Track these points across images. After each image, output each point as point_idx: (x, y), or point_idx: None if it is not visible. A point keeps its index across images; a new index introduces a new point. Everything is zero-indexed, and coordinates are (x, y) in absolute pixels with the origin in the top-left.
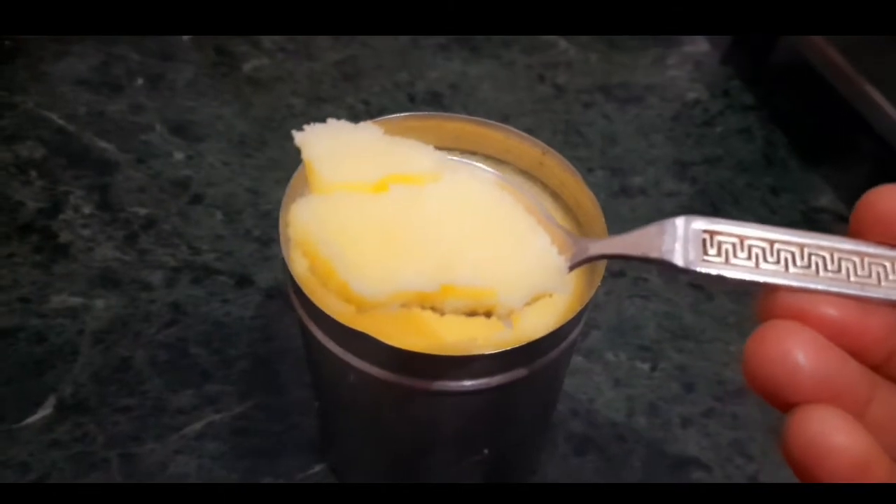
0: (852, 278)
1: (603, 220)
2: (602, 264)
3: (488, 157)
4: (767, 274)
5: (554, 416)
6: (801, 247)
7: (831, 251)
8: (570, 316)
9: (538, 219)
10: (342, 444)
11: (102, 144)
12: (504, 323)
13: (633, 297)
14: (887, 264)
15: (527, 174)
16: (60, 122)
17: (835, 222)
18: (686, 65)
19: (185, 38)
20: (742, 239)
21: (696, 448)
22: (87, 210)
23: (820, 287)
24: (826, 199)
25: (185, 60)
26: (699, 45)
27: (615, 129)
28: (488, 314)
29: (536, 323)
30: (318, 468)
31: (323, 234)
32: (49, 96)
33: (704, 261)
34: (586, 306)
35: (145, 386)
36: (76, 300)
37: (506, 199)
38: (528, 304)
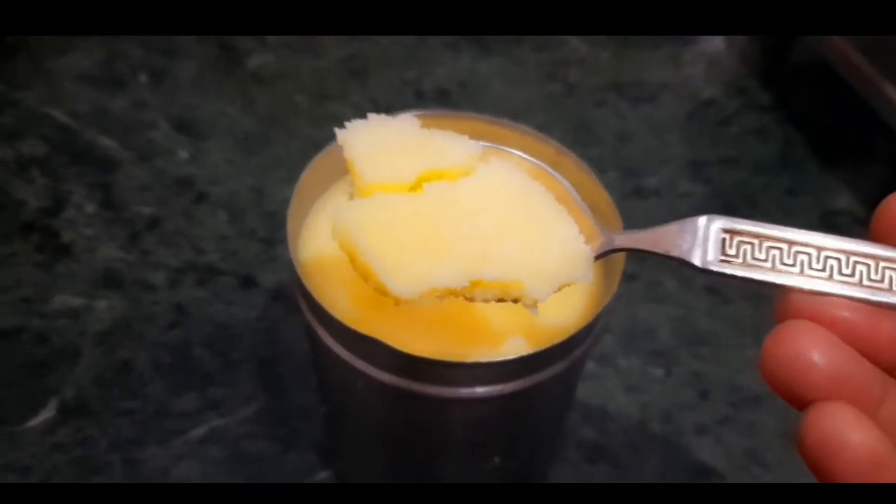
0: (865, 282)
1: (620, 222)
2: (619, 271)
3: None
4: (782, 276)
5: (565, 422)
6: (819, 249)
7: (847, 254)
8: (584, 323)
9: (569, 206)
10: (349, 450)
11: (105, 142)
12: (530, 310)
13: (646, 301)
14: None
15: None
16: (63, 118)
17: (853, 225)
18: (701, 63)
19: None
20: (761, 240)
21: (710, 456)
22: (89, 209)
23: (833, 290)
24: (844, 202)
25: (188, 56)
26: (714, 43)
27: (628, 128)
28: (516, 301)
29: (551, 326)
30: (323, 474)
31: (363, 239)
32: (51, 93)
33: (722, 261)
34: (601, 313)
35: (148, 389)
36: (78, 301)
37: (536, 189)
38: (554, 292)
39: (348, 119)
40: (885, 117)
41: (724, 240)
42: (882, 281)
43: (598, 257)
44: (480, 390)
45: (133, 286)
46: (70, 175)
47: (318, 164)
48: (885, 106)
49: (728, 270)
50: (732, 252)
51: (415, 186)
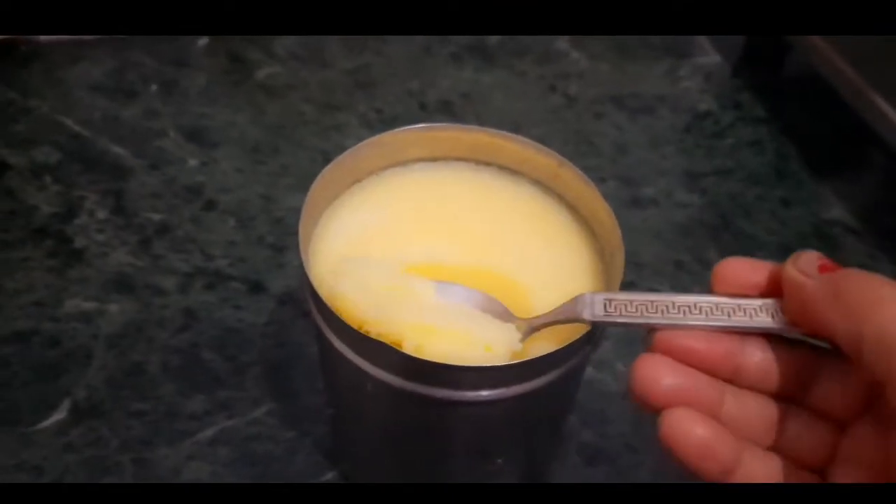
0: (710, 316)
1: (619, 232)
2: (617, 280)
3: (503, 168)
4: (649, 319)
5: (566, 425)
6: (674, 302)
7: (695, 302)
8: (584, 330)
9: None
10: (355, 451)
11: (117, 150)
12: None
13: None
14: (732, 307)
15: (541, 185)
16: (75, 127)
17: (846, 234)
18: (697, 76)
19: (199, 44)
20: (632, 301)
21: None
22: (101, 215)
23: (687, 322)
24: (837, 212)
25: (198, 67)
26: (710, 57)
27: (626, 140)
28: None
29: (553, 333)
30: (330, 475)
31: None
32: (64, 101)
33: (605, 315)
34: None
35: (158, 391)
36: (90, 305)
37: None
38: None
39: (354, 128)
40: (876, 129)
41: (605, 303)
42: (718, 312)
43: (524, 339)
44: (485, 393)
45: (144, 290)
46: (82, 182)
47: (327, 176)
48: (877, 118)
49: (609, 320)
50: (612, 310)
51: (398, 335)
